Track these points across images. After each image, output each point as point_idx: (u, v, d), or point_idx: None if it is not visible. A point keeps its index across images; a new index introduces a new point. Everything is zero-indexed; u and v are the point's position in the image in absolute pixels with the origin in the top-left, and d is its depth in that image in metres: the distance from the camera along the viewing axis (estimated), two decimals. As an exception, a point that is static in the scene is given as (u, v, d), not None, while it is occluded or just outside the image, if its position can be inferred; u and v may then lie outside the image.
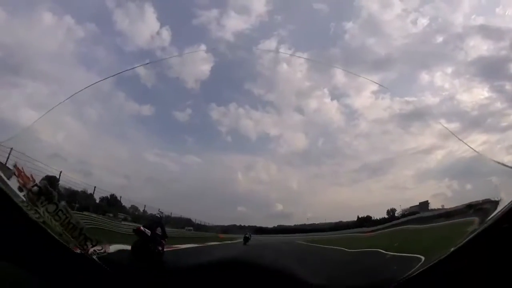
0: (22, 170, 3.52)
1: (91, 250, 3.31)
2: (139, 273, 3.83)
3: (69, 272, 3.01)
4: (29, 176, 3.55)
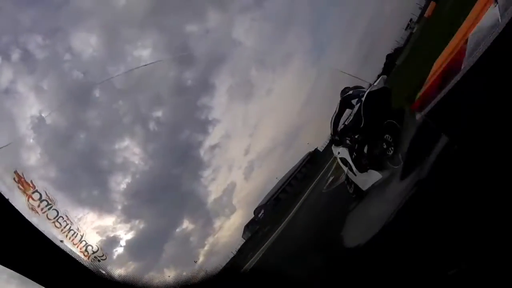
0: (22, 176, 3.49)
1: (92, 256, 3.26)
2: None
3: (69, 279, 2.94)
4: (29, 182, 3.51)
